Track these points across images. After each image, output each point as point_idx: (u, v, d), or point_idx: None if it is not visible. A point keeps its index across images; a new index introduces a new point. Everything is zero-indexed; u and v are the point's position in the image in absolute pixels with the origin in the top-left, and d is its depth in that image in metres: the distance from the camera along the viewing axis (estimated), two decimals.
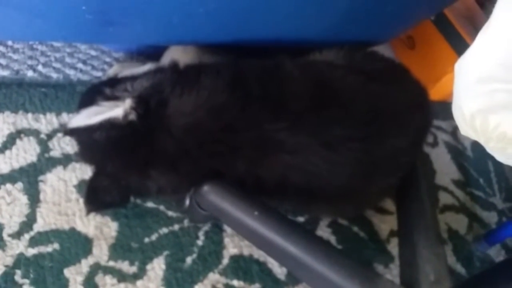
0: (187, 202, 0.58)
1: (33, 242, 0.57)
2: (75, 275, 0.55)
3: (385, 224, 0.73)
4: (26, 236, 0.57)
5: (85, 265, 0.57)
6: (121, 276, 0.57)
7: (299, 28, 0.64)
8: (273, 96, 0.55)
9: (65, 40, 0.76)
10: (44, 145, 0.65)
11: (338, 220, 0.71)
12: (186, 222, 0.64)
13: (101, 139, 0.55)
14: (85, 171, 0.64)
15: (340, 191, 0.57)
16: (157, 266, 0.59)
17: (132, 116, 0.53)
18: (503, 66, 0.35)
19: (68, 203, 0.61)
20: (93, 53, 0.80)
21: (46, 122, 0.68)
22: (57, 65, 0.76)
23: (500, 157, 0.42)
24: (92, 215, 0.60)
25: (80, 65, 0.78)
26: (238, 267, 0.62)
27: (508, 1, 0.35)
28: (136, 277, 0.57)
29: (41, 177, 0.62)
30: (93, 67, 0.78)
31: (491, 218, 0.81)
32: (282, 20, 0.61)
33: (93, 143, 0.56)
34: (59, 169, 0.64)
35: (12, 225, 0.57)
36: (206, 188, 0.54)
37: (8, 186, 0.60)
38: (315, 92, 0.56)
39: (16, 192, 0.60)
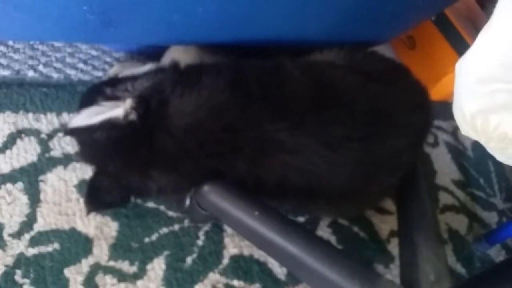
0: (188, 202, 0.58)
1: (33, 242, 0.57)
2: (75, 275, 0.55)
3: (385, 224, 0.73)
4: (27, 236, 0.57)
5: (85, 265, 0.57)
6: (121, 276, 0.57)
7: (299, 28, 0.64)
8: (273, 96, 0.55)
9: (66, 40, 0.76)
10: (44, 145, 0.65)
11: (338, 220, 0.71)
12: (186, 222, 0.64)
13: (102, 139, 0.54)
14: (86, 171, 0.64)
15: (340, 191, 0.57)
16: (157, 266, 0.59)
17: (133, 116, 0.53)
18: (503, 66, 0.35)
19: (69, 203, 0.61)
20: (94, 53, 0.80)
21: (46, 122, 0.68)
22: (58, 65, 0.76)
23: (500, 157, 0.42)
24: (92, 215, 0.60)
25: (81, 65, 0.78)
26: (238, 267, 0.62)
27: (509, 2, 0.35)
28: (136, 277, 0.57)
29: (41, 177, 0.62)
30: (94, 67, 0.78)
31: (491, 218, 0.81)
32: (282, 20, 0.61)
33: (93, 143, 0.56)
34: (59, 169, 0.64)
35: (12, 225, 0.57)
36: (206, 188, 0.54)
37: (9, 185, 0.60)
38: (315, 92, 0.56)
39: (17, 192, 0.60)
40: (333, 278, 0.49)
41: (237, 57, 0.63)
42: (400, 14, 0.67)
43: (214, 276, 0.60)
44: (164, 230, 0.62)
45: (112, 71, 0.72)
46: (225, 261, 0.62)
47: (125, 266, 0.58)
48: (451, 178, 0.85)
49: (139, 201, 0.64)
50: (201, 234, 0.64)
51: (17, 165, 0.63)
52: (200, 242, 0.63)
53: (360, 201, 0.65)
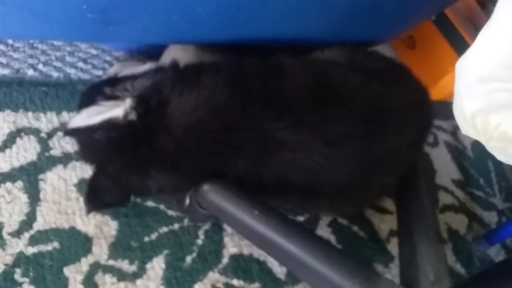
0: (187, 201, 0.58)
1: (33, 241, 0.57)
2: (75, 274, 0.55)
3: (385, 224, 0.73)
4: (26, 235, 0.57)
5: (85, 264, 0.57)
6: (121, 275, 0.57)
7: (299, 28, 0.64)
8: (273, 95, 0.55)
9: (65, 39, 0.76)
10: (44, 143, 0.65)
11: (338, 220, 0.71)
12: (186, 221, 0.64)
13: (102, 138, 0.55)
14: (85, 170, 0.64)
15: (340, 189, 0.57)
16: (157, 265, 0.59)
17: (133, 116, 0.53)
18: (503, 66, 0.35)
19: (68, 202, 0.61)
20: (93, 52, 0.80)
21: (46, 121, 0.68)
22: (58, 64, 0.76)
23: (500, 157, 0.42)
24: (92, 214, 0.60)
25: (80, 64, 0.77)
26: (238, 266, 0.62)
27: (509, 1, 0.35)
28: (136, 276, 0.57)
29: (41, 176, 0.62)
30: (94, 66, 0.78)
31: (491, 218, 0.81)
32: (282, 19, 0.61)
33: (93, 143, 0.56)
34: (59, 168, 0.64)
35: (12, 224, 0.57)
36: (206, 187, 0.54)
37: (8, 184, 0.60)
38: (316, 91, 0.56)
39: (16, 190, 0.60)
40: (332, 278, 0.49)
41: (237, 56, 0.63)
42: (400, 14, 0.67)
43: (213, 275, 0.60)
44: (164, 229, 0.62)
45: (112, 70, 0.72)
46: (225, 260, 0.62)
47: (125, 265, 0.58)
48: (450, 178, 0.85)
49: (138, 200, 0.64)
50: (200, 233, 0.64)
51: (16, 164, 0.62)
52: (199, 241, 0.63)
53: (359, 199, 0.65)
